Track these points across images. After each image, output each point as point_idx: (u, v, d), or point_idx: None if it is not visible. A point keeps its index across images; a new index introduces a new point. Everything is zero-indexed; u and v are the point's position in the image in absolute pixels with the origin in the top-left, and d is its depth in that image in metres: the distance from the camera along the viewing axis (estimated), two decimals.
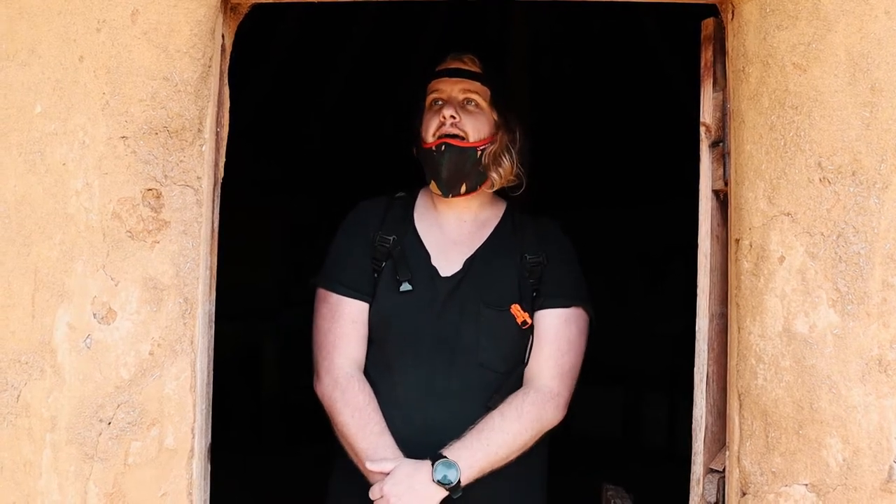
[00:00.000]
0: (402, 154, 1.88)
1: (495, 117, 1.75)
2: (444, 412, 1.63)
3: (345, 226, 1.81)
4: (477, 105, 1.74)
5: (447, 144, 1.69)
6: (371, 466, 1.56)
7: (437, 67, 1.79)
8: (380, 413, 1.63)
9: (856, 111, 1.26)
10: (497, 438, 1.58)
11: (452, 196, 1.74)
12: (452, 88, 1.74)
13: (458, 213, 1.78)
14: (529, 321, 1.69)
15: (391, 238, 1.73)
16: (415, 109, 1.82)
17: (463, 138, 1.70)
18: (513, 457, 1.61)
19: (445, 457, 1.55)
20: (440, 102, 1.74)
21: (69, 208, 1.35)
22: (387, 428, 1.62)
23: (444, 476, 1.52)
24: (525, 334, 1.70)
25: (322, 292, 1.74)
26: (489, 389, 1.65)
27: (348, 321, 1.70)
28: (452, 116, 1.69)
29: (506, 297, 1.69)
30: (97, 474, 1.33)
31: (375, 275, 1.72)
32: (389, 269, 1.71)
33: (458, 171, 1.71)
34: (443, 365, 1.64)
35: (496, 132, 1.75)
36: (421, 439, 1.60)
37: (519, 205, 1.88)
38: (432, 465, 1.53)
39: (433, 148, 1.71)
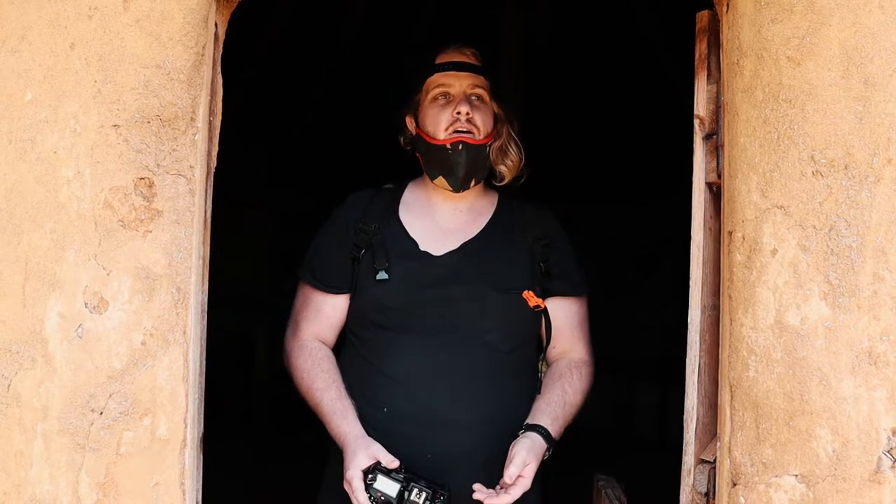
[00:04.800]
0: (393, 145, 1.88)
1: (496, 109, 1.78)
2: (448, 390, 1.66)
3: (328, 219, 1.84)
4: (482, 99, 1.76)
5: (464, 143, 1.71)
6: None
7: (439, 59, 1.78)
8: (328, 373, 1.72)
9: (849, 105, 1.26)
10: (569, 411, 1.73)
11: (463, 191, 1.76)
12: (461, 83, 1.75)
13: (454, 203, 1.80)
14: (542, 305, 1.74)
15: (372, 226, 1.76)
16: (405, 99, 1.82)
17: (474, 135, 1.72)
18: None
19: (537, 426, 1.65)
20: (447, 97, 1.75)
21: (60, 197, 1.34)
22: (333, 384, 1.70)
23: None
24: (536, 316, 1.75)
25: (301, 286, 1.81)
26: (492, 368, 1.69)
27: (314, 310, 1.78)
28: (468, 113, 1.71)
29: (517, 282, 1.74)
30: (89, 464, 1.32)
31: (356, 263, 1.75)
32: (369, 257, 1.74)
33: (473, 168, 1.74)
34: (446, 345, 1.67)
35: (499, 124, 1.78)
36: (425, 417, 1.64)
37: (510, 193, 1.89)
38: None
39: (448, 146, 1.72)
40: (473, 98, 1.74)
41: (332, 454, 1.76)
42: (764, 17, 1.31)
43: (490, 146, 1.76)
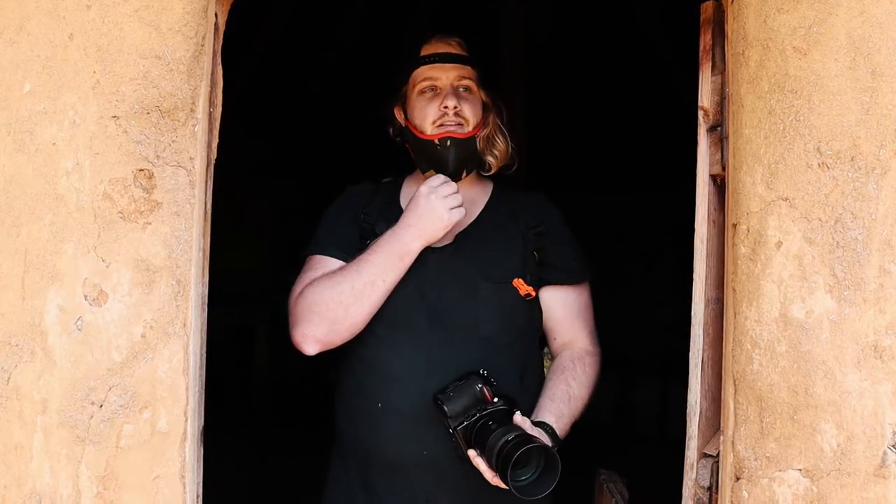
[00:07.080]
0: (390, 138, 1.87)
1: (483, 97, 1.77)
2: (444, 385, 1.61)
3: (333, 207, 1.82)
4: (469, 90, 1.75)
5: (452, 138, 1.70)
6: None
7: (424, 51, 1.76)
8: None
9: (856, 96, 1.25)
10: (576, 406, 1.68)
11: (456, 181, 1.74)
12: (448, 75, 1.73)
13: None
14: (533, 294, 1.73)
15: (376, 218, 1.74)
16: (393, 92, 1.80)
17: (463, 127, 1.71)
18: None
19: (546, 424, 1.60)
20: (434, 89, 1.73)
21: (59, 189, 1.33)
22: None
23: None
24: (528, 306, 1.74)
25: (309, 258, 1.74)
26: (490, 362, 1.65)
27: (333, 268, 1.68)
28: (456, 107, 1.70)
29: (507, 271, 1.72)
30: (89, 457, 1.32)
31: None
32: None
33: (463, 161, 1.73)
34: (441, 339, 1.65)
35: (486, 113, 1.77)
36: (420, 412, 1.61)
37: (508, 183, 1.88)
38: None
39: (436, 142, 1.71)
40: (461, 89, 1.73)
41: (335, 453, 1.74)
42: (770, 7, 1.30)
43: (478, 136, 1.74)
